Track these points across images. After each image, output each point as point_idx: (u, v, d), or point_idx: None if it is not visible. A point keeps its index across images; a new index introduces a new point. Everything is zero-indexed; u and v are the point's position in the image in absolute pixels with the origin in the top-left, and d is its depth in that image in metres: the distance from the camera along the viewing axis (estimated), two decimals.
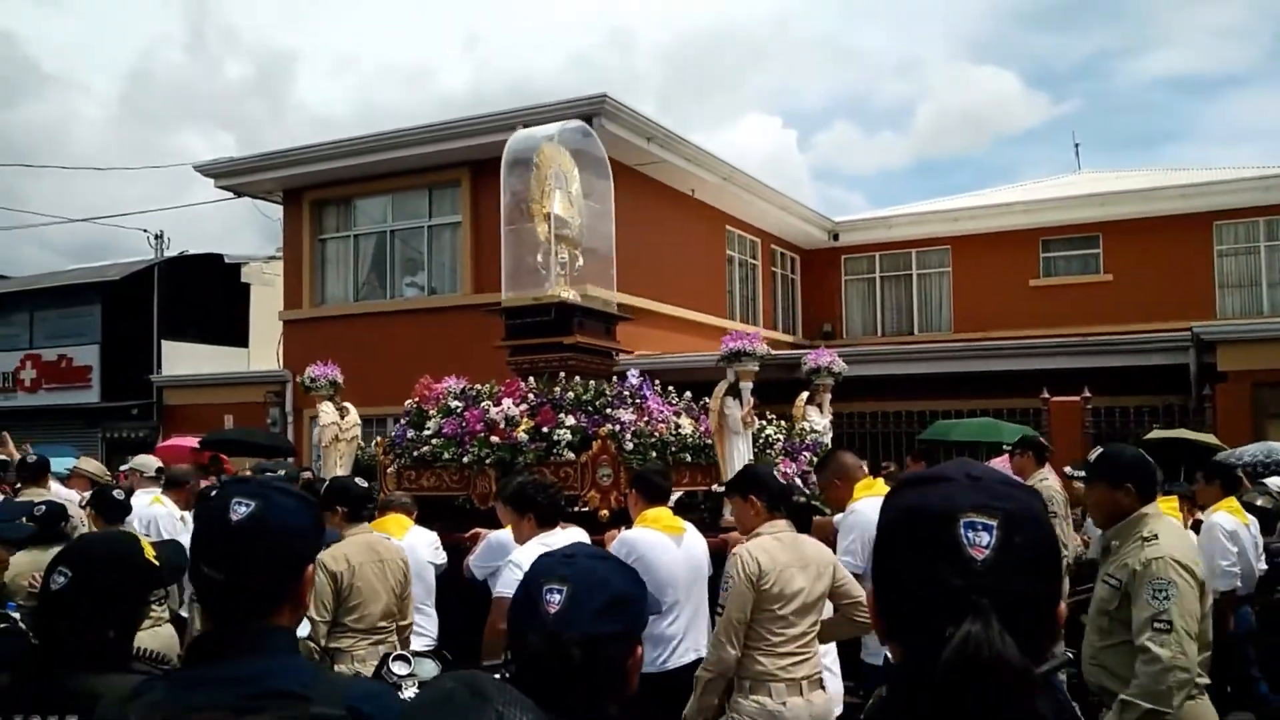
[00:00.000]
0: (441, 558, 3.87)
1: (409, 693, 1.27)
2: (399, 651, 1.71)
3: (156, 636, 3.08)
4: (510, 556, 2.98)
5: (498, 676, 0.98)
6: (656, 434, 4.34)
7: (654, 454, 4.21)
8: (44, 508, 3.61)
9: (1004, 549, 0.71)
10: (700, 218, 11.66)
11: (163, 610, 3.48)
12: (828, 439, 5.20)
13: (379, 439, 5.11)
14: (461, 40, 71.58)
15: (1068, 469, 4.69)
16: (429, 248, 10.84)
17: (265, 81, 62.64)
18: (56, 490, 4.93)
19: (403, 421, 4.92)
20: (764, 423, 4.70)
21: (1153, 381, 8.28)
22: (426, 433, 4.69)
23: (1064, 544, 4.44)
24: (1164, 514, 2.45)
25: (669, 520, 3.12)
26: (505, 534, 3.23)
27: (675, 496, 3.98)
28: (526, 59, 67.41)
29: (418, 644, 3.37)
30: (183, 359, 13.82)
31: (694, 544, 3.18)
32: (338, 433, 4.79)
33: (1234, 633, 4.08)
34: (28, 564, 3.10)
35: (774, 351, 4.80)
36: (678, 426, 4.46)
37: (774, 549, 2.60)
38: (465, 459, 4.48)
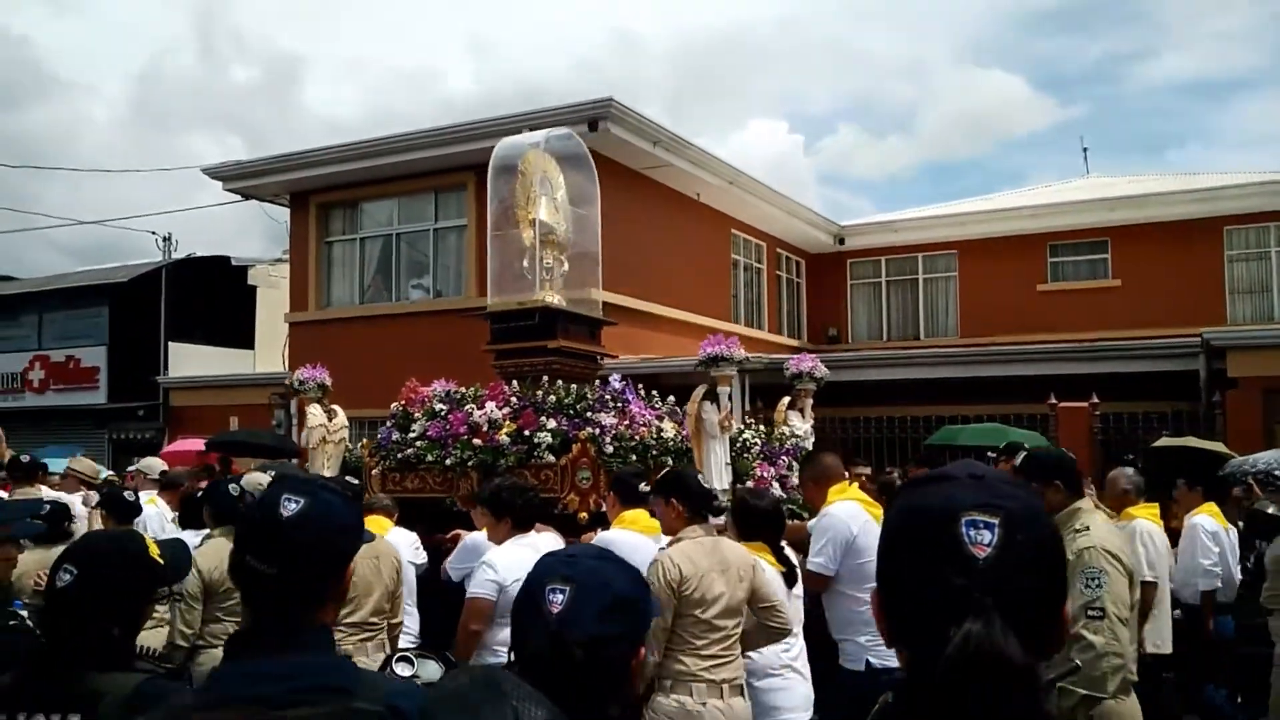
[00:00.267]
0: (421, 558, 3.92)
1: None
2: (402, 653, 1.70)
3: (156, 636, 3.09)
4: (484, 558, 3.01)
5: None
6: (638, 437, 4.36)
7: (634, 457, 4.24)
8: (50, 506, 3.64)
9: (1006, 547, 0.71)
10: (705, 221, 11.66)
11: (166, 610, 3.50)
12: (809, 443, 5.21)
13: (364, 441, 5.17)
14: (468, 44, 71.99)
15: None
16: (434, 251, 10.88)
17: (273, 85, 63.11)
18: (44, 492, 4.98)
19: (389, 424, 4.98)
20: (742, 427, 4.74)
21: (1162, 387, 8.22)
22: (411, 435, 4.75)
23: None
24: (1094, 510, 2.56)
25: (646, 522, 3.13)
26: (481, 536, 3.26)
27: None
28: (533, 63, 67.72)
29: (401, 642, 3.42)
30: (189, 360, 13.90)
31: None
32: (325, 434, 4.86)
33: (1214, 638, 4.07)
34: (34, 562, 3.11)
35: (753, 356, 4.81)
36: (660, 430, 4.49)
37: (694, 554, 2.62)
38: (448, 461, 4.54)
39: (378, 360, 9.34)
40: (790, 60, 67.02)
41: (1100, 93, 58.38)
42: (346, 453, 5.06)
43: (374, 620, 3.18)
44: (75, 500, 4.98)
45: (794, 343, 13.71)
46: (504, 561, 2.92)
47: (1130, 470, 4.14)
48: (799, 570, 2.98)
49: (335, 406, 5.09)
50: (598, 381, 4.96)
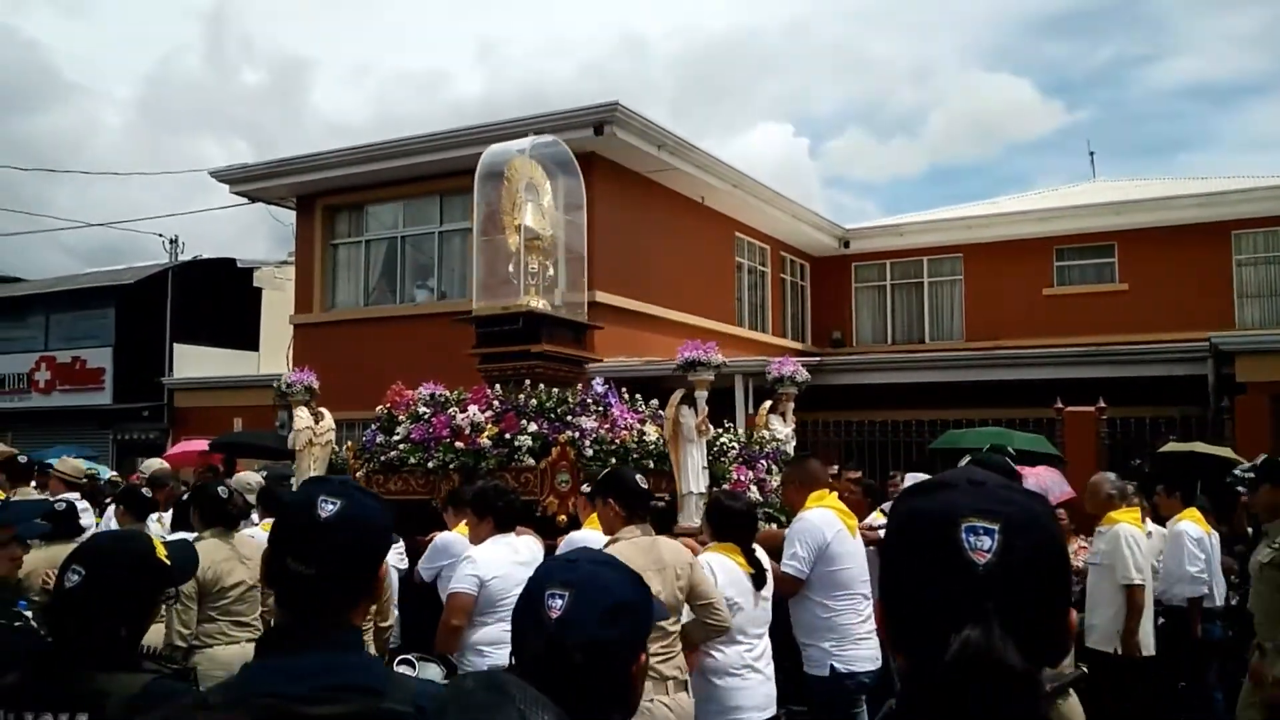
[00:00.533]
0: (405, 563, 3.97)
1: None
2: (404, 656, 1.70)
3: (153, 634, 3.11)
4: (466, 553, 3.06)
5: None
6: (618, 441, 4.40)
7: (614, 460, 4.28)
8: (64, 504, 3.66)
9: (1006, 553, 0.70)
10: (709, 225, 11.67)
11: (163, 610, 3.52)
12: (790, 447, 5.23)
13: (349, 443, 5.25)
14: (476, 48, 72.28)
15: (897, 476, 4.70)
16: (439, 254, 10.91)
17: (281, 89, 63.49)
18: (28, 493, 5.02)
19: (374, 427, 5.05)
20: (719, 430, 4.78)
21: (1169, 392, 8.17)
22: (395, 438, 4.81)
23: None
24: None
25: None
26: (451, 536, 3.31)
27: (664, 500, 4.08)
28: (539, 67, 67.94)
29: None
30: (194, 362, 13.97)
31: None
32: (312, 437, 4.93)
33: (1202, 641, 4.08)
34: (43, 560, 3.13)
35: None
36: (641, 433, 4.52)
37: (631, 554, 2.66)
38: (430, 464, 4.59)
39: (381, 362, 9.36)
40: (796, 64, 67.12)
41: (1107, 96, 58.30)
42: (333, 455, 5.11)
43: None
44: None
45: (798, 346, 13.68)
46: (484, 558, 2.97)
47: (1113, 475, 4.17)
48: (769, 573, 3.02)
49: (323, 409, 5.17)
50: (580, 385, 5.02)
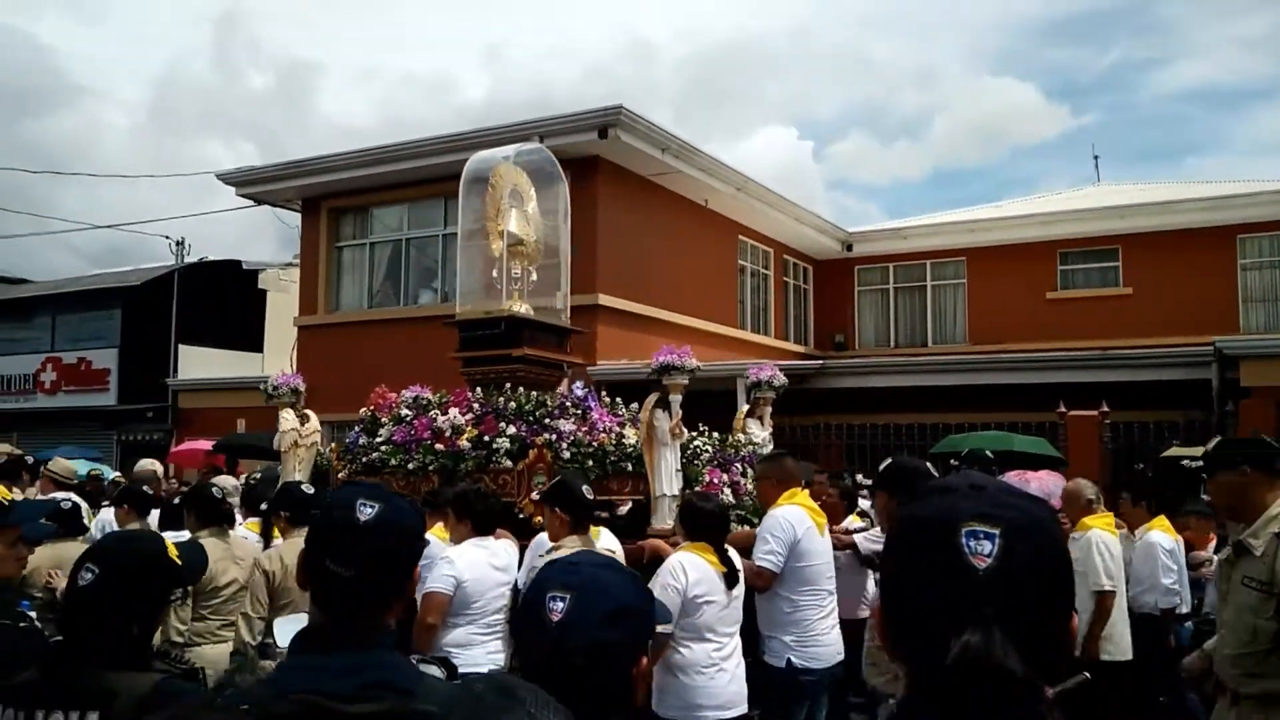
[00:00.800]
0: None
1: None
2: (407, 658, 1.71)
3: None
4: (444, 554, 3.11)
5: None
6: (596, 444, 4.46)
7: (591, 463, 4.34)
8: (69, 504, 3.69)
9: (1007, 558, 0.70)
10: (713, 228, 11.68)
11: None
12: (767, 451, 5.28)
13: (333, 445, 5.31)
14: (481, 51, 72.48)
15: (859, 477, 4.74)
16: (443, 256, 10.94)
17: (288, 92, 63.74)
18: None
19: (357, 428, 5.11)
20: (693, 434, 4.84)
21: (1173, 396, 8.15)
22: (378, 440, 4.89)
23: None
24: None
25: None
26: (427, 537, 3.32)
27: (626, 507, 4.19)
28: (545, 70, 68.09)
29: None
30: (199, 363, 14.03)
31: (607, 548, 3.29)
32: (297, 438, 4.99)
33: (1174, 648, 4.10)
34: (46, 559, 3.15)
35: (704, 365, 4.90)
36: (620, 436, 4.56)
37: None
38: (411, 466, 4.65)
39: (385, 364, 9.38)
40: (800, 67, 67.16)
41: (1113, 101, 58.19)
42: (318, 456, 5.17)
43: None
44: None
45: (800, 349, 13.68)
46: (462, 560, 3.00)
47: (1088, 482, 4.19)
48: (740, 571, 3.07)
49: (308, 411, 5.28)
50: (560, 389, 5.10)
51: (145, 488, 4.61)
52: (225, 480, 5.21)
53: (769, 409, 5.63)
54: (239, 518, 4.16)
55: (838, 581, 3.43)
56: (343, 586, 1.08)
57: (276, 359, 13.72)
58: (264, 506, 3.89)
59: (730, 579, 2.98)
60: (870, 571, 4.17)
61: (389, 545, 1.12)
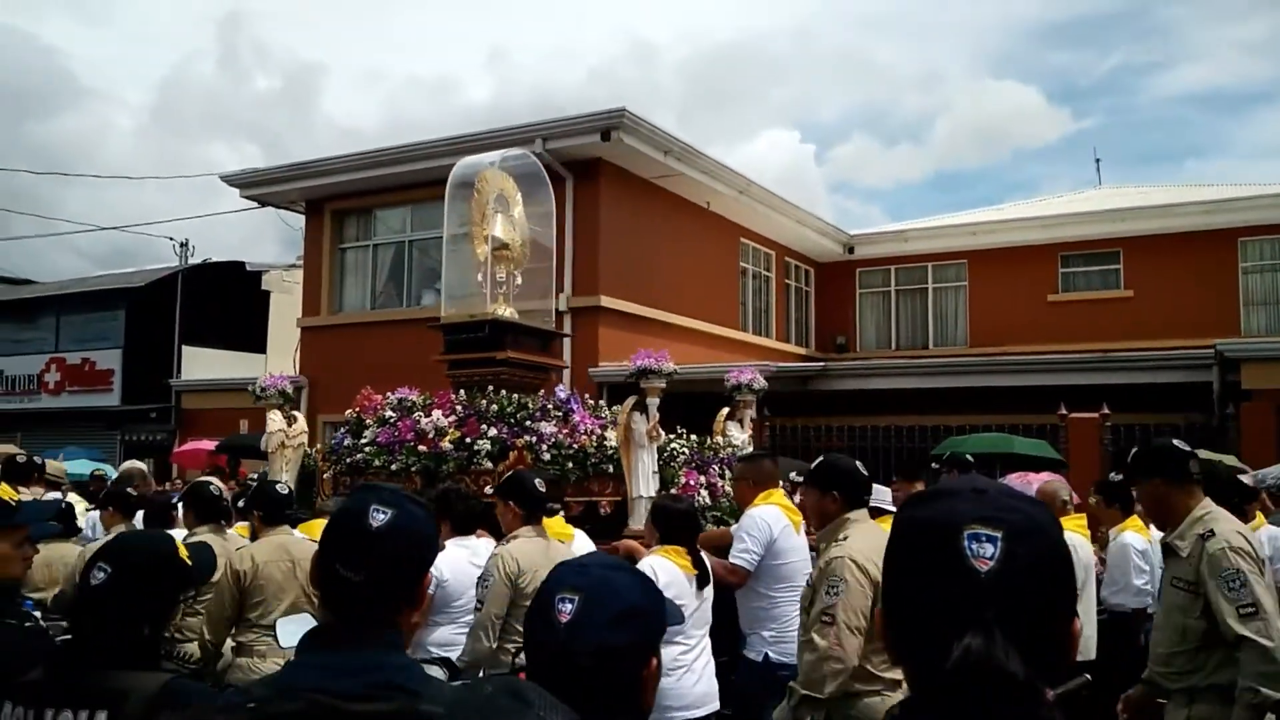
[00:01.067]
0: None
1: None
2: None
3: None
4: None
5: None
6: (577, 445, 4.50)
7: (572, 464, 4.39)
8: (65, 505, 3.72)
9: (1009, 560, 0.70)
10: (715, 230, 11.68)
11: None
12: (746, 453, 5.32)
13: (319, 446, 5.38)
14: (486, 54, 72.54)
15: (793, 475, 4.86)
16: (446, 258, 10.96)
17: (293, 94, 63.81)
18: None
19: (343, 430, 5.18)
20: (671, 436, 4.88)
21: (1174, 399, 8.15)
22: (363, 441, 4.95)
23: None
24: (865, 519, 2.60)
25: (559, 527, 3.35)
26: None
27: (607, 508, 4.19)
28: (548, 73, 68.11)
29: None
30: (202, 364, 14.05)
31: (581, 550, 3.35)
32: (284, 439, 5.03)
33: (1142, 646, 4.13)
34: (39, 560, 3.16)
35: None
36: (602, 439, 4.61)
37: (530, 550, 2.84)
38: (394, 467, 4.72)
39: (387, 365, 9.40)
40: (803, 70, 67.19)
41: (1114, 104, 58.18)
42: (305, 457, 5.20)
43: None
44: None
45: (802, 351, 13.69)
46: (442, 559, 3.03)
47: (1063, 484, 4.22)
48: (710, 573, 3.13)
49: (295, 412, 5.36)
50: (541, 391, 5.17)
51: (129, 489, 4.61)
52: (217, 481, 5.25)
53: (749, 412, 5.70)
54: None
55: None
56: (352, 591, 1.09)
57: (280, 360, 13.74)
58: (240, 504, 3.92)
59: (701, 581, 3.02)
60: None
61: (400, 551, 1.12)
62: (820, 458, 2.79)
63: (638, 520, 4.11)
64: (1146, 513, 2.54)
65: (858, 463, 2.70)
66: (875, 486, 4.41)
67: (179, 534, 3.51)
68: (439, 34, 70.47)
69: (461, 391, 5.02)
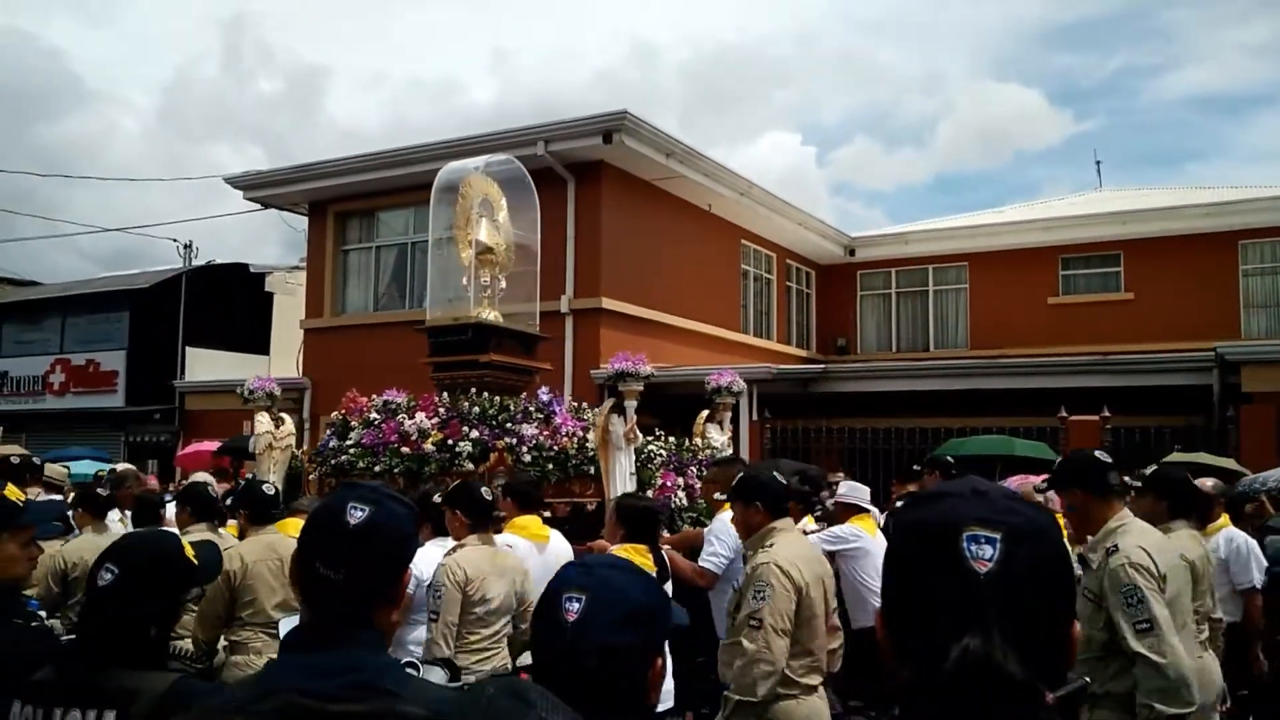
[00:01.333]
0: None
1: None
2: (408, 659, 1.74)
3: None
4: None
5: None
6: (558, 447, 4.54)
7: (552, 466, 4.43)
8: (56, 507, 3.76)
9: (1008, 562, 0.70)
10: (716, 232, 11.70)
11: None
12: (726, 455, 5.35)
13: (305, 448, 5.41)
14: (488, 57, 72.65)
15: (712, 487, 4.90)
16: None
17: (296, 96, 63.92)
18: None
19: (329, 431, 5.22)
20: (648, 438, 4.92)
21: (1174, 402, 8.16)
22: (348, 443, 4.99)
23: None
24: (790, 528, 2.68)
25: (536, 528, 3.37)
26: None
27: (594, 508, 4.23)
28: (551, 75, 68.21)
29: None
30: (205, 365, 14.07)
31: (557, 551, 3.36)
32: (272, 441, 5.07)
33: None
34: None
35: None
36: (584, 440, 4.63)
37: (477, 559, 2.88)
38: (377, 468, 4.77)
39: (390, 367, 9.42)
40: (805, 73, 67.24)
41: (1116, 106, 58.18)
42: (293, 459, 5.24)
43: (279, 617, 3.23)
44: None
45: (803, 353, 13.70)
46: (422, 559, 3.05)
47: (1039, 483, 4.23)
48: (670, 571, 3.19)
49: (284, 414, 5.37)
50: (524, 394, 5.21)
51: (100, 490, 4.59)
52: (209, 478, 5.28)
53: (729, 414, 5.75)
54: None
55: None
56: (331, 588, 1.08)
57: (283, 361, 13.77)
58: (227, 503, 3.94)
59: (660, 579, 3.06)
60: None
61: (378, 549, 1.11)
62: (740, 473, 2.85)
63: None
64: (1069, 523, 2.58)
65: (775, 474, 2.78)
66: (853, 485, 4.46)
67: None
68: (442, 36, 70.70)
69: (445, 394, 5.06)
